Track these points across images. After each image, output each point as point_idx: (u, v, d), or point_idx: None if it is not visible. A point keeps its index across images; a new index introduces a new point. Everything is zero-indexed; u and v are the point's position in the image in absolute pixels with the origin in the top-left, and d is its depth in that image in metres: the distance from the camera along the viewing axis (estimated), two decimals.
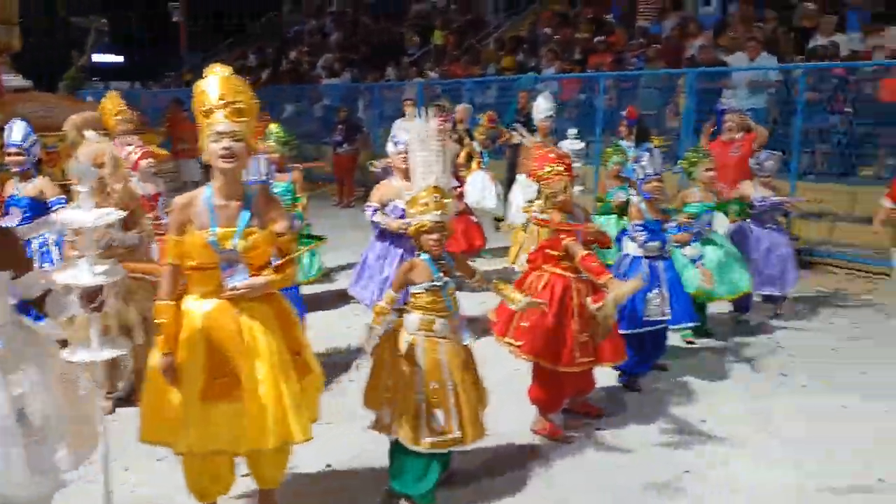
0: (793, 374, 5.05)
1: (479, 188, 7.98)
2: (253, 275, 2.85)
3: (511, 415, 4.06)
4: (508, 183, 9.95)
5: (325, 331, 5.70)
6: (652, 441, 4.08)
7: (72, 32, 15.16)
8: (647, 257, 4.70)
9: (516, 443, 4.01)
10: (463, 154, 7.92)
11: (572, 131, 7.28)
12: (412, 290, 3.24)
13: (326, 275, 7.42)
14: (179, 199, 2.86)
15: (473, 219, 7.12)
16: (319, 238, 6.35)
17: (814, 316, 6.38)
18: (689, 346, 5.56)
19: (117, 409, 4.26)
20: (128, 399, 4.26)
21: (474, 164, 8.06)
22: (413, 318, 3.24)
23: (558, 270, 3.94)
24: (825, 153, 8.41)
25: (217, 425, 2.81)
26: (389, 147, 5.45)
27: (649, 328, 4.70)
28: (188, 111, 15.31)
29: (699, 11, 12.53)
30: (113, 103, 6.26)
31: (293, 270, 3.05)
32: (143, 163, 5.28)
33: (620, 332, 4.61)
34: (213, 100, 2.72)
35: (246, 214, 2.82)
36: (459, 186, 7.20)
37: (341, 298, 6.55)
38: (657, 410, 4.45)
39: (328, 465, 3.74)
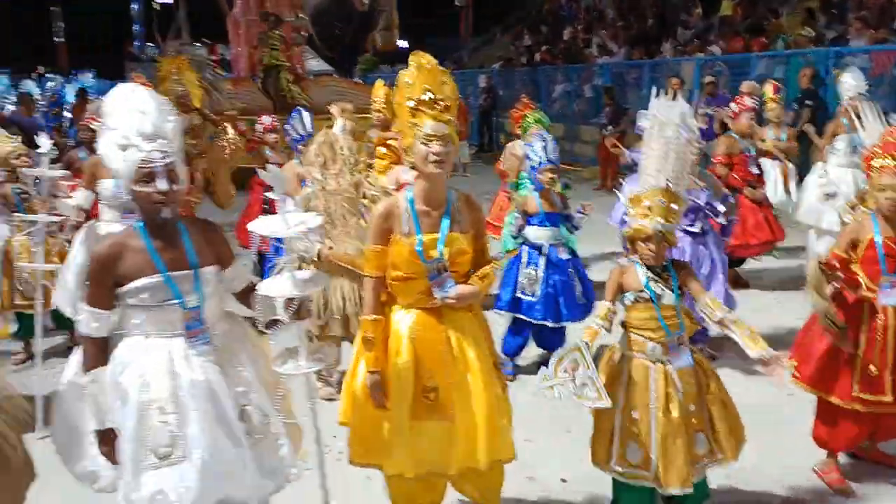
0: None
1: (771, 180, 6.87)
2: (458, 283, 2.66)
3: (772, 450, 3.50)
4: (799, 173, 8.64)
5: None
6: None
7: (364, 17, 16.18)
8: None
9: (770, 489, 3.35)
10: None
11: None
12: (624, 300, 2.80)
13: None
14: (381, 207, 2.70)
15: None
16: None
17: None
18: None
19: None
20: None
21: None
22: (624, 335, 2.84)
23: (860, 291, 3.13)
24: None
25: (427, 445, 2.66)
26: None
27: None
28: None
29: None
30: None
31: (494, 278, 2.81)
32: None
33: None
34: (422, 96, 2.52)
35: (446, 220, 2.64)
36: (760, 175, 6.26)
37: None
38: None
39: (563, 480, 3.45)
